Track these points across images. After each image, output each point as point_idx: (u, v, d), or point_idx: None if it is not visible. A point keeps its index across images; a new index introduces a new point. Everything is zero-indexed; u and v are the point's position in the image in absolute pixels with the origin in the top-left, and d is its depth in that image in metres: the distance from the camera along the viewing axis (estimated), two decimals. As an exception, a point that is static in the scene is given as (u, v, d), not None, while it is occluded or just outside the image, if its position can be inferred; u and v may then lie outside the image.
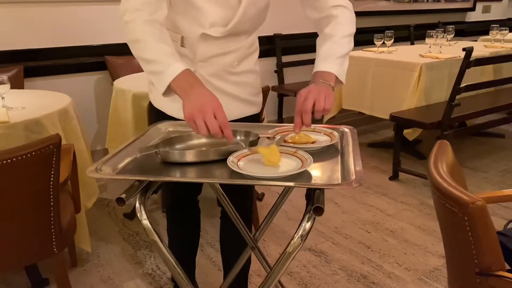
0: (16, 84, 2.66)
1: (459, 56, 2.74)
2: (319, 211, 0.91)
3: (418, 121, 2.80)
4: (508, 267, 1.16)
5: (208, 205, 2.60)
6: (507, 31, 3.88)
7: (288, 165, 1.06)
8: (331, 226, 2.47)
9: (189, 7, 1.26)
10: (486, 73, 3.44)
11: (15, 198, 1.40)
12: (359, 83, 3.41)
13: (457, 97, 2.70)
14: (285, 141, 1.24)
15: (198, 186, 1.61)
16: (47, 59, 3.03)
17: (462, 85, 2.65)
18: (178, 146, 1.15)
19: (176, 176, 1.02)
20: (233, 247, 1.63)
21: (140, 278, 2.03)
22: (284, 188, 1.43)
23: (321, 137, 1.28)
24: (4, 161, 1.32)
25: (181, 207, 1.62)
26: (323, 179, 1.02)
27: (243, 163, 1.07)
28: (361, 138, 3.94)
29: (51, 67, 3.03)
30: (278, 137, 1.21)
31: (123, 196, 0.96)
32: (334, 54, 1.28)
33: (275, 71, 4.06)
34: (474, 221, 0.99)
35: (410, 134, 3.14)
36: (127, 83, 2.51)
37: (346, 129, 1.34)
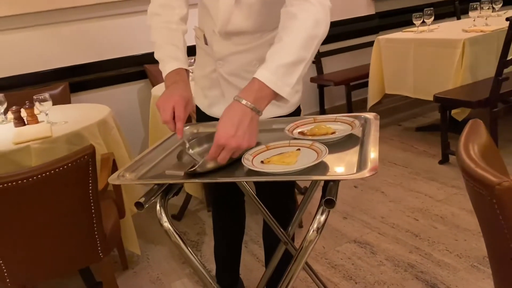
0: (63, 99, 2.83)
1: (507, 27, 2.55)
2: (331, 203, 0.89)
3: (463, 100, 2.66)
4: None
5: (252, 201, 2.62)
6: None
7: (304, 158, 1.05)
8: (377, 216, 2.41)
9: (201, 4, 1.34)
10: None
11: (58, 208, 1.49)
12: (400, 65, 3.28)
13: (505, 70, 2.52)
14: (303, 134, 1.22)
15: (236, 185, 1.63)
16: (90, 73, 3.18)
17: (509, 57, 2.47)
18: (198, 150, 1.17)
19: (193, 178, 1.04)
20: (273, 242, 1.63)
21: (187, 278, 2.09)
22: (311, 183, 1.41)
23: (341, 126, 1.25)
24: (44, 174, 1.41)
25: (222, 204, 1.66)
26: (339, 170, 1.00)
27: (259, 160, 1.07)
28: (408, 123, 3.80)
29: (94, 80, 3.19)
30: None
31: (142, 200, 0.99)
32: (276, 60, 1.02)
33: (313, 62, 4.00)
34: (503, 204, 0.92)
35: (458, 114, 2.98)
36: (163, 89, 2.57)
37: (369, 116, 1.30)
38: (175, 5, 1.32)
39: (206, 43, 1.39)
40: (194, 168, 0.99)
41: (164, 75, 1.25)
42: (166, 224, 1.03)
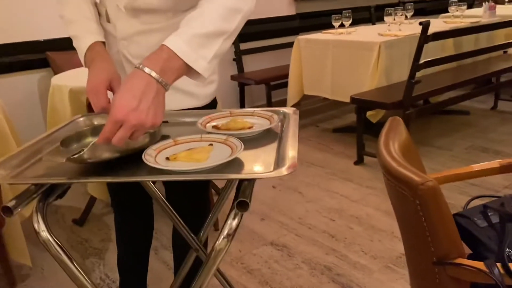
0: None
1: (419, 33, 2.65)
2: (244, 206, 0.76)
3: (379, 101, 2.70)
4: (469, 251, 1.05)
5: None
6: (465, 7, 3.83)
7: (217, 155, 0.92)
8: (294, 217, 2.35)
9: None
10: (447, 50, 3.36)
11: None
12: (319, 67, 3.29)
13: (418, 74, 2.60)
14: (218, 128, 1.10)
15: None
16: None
17: (421, 61, 2.56)
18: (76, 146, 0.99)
19: (81, 177, 0.86)
20: (184, 249, 1.48)
21: (87, 289, 1.86)
22: (226, 182, 1.29)
23: (259, 121, 1.14)
24: None
25: (127, 208, 1.47)
26: (255, 168, 0.89)
27: (163, 156, 0.92)
28: (326, 124, 3.84)
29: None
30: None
31: (11, 204, 0.79)
32: (193, 28, 0.88)
33: (234, 59, 3.90)
34: (426, 205, 0.87)
35: (373, 116, 3.04)
36: (64, 79, 2.31)
37: (288, 111, 1.20)
38: None
39: (108, 21, 1.20)
40: (80, 154, 0.81)
41: (81, 54, 1.11)
42: (44, 233, 0.84)
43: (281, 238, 2.16)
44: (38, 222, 0.84)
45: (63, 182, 0.86)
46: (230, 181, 1.28)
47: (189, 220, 1.31)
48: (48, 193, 0.88)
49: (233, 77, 3.87)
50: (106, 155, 0.86)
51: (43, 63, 3.01)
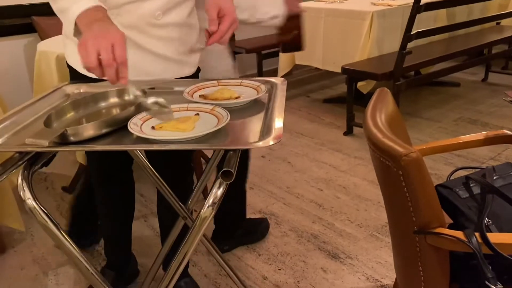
0: None
1: (411, 3, 2.61)
2: (228, 175, 0.77)
3: (369, 72, 2.69)
4: (450, 221, 1.08)
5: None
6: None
7: (203, 125, 0.92)
8: (282, 186, 2.38)
9: None
10: (439, 21, 3.34)
11: None
12: (310, 36, 3.24)
13: (410, 45, 2.59)
14: (205, 98, 1.09)
15: (124, 156, 1.45)
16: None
17: (413, 32, 2.53)
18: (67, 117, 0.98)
19: (67, 146, 0.85)
20: (170, 217, 1.50)
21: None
22: (213, 152, 1.29)
23: (247, 91, 1.13)
24: None
25: (110, 181, 1.47)
26: (240, 138, 0.89)
27: (149, 125, 0.92)
28: (317, 94, 3.83)
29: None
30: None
31: (-5, 171, 0.79)
32: None
33: (225, 27, 3.83)
34: (408, 175, 0.88)
35: (364, 87, 3.04)
36: (51, 45, 2.25)
37: (276, 81, 1.20)
38: None
39: None
40: (63, 134, 0.81)
41: (74, 15, 0.95)
42: (30, 201, 0.84)
43: (269, 207, 2.19)
44: (24, 190, 0.84)
45: (48, 150, 0.86)
46: (217, 152, 1.29)
47: (175, 190, 1.32)
48: (33, 161, 0.88)
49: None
50: (90, 133, 0.86)
51: (29, 28, 2.94)
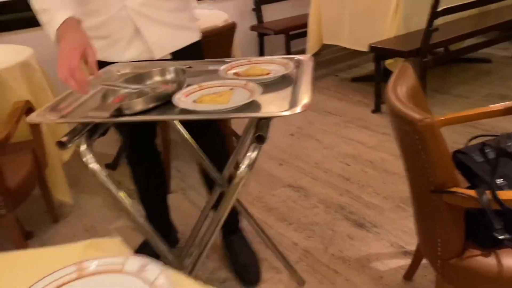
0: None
1: (439, -21, 2.62)
2: (261, 139, 0.89)
3: (396, 49, 2.73)
4: (467, 185, 1.16)
5: (188, 149, 2.60)
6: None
7: (237, 98, 1.03)
8: (311, 162, 2.48)
9: None
10: (469, -4, 3.31)
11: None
12: (337, 14, 3.29)
13: (438, 21, 2.61)
14: (238, 75, 1.20)
15: (152, 130, 1.59)
16: (6, 12, 2.90)
17: (440, 8, 2.55)
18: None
19: (121, 117, 0.99)
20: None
21: (122, 224, 2.06)
22: (247, 123, 1.41)
23: (276, 68, 1.24)
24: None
25: (138, 152, 1.61)
26: (271, 108, 1.00)
27: (190, 99, 1.04)
28: (345, 73, 3.88)
29: (10, 21, 2.90)
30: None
31: (64, 139, 0.94)
32: None
33: (253, 9, 3.92)
34: (424, 139, 0.97)
35: (392, 64, 3.07)
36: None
37: (303, 58, 1.29)
38: None
39: None
40: (119, 109, 0.95)
41: (53, 28, 1.04)
42: (93, 165, 0.99)
43: (298, 181, 2.30)
44: (87, 156, 0.98)
45: (105, 121, 1.00)
46: (250, 122, 1.40)
47: (210, 157, 1.46)
48: (92, 131, 1.02)
49: (252, 27, 3.90)
50: (139, 107, 0.99)
51: (69, 16, 3.11)
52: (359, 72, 3.87)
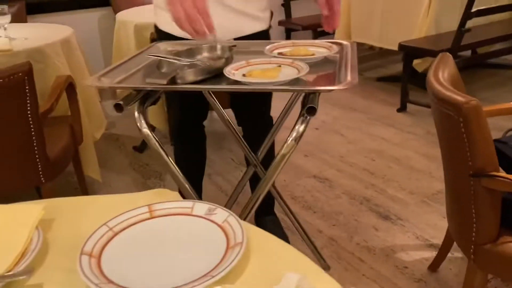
0: (19, 20, 2.64)
1: (473, -19, 2.63)
2: (312, 110, 0.92)
3: (427, 49, 2.74)
4: (503, 172, 1.18)
5: (217, 137, 2.64)
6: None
7: (285, 74, 1.07)
8: (336, 155, 2.50)
9: None
10: (500, 1, 3.30)
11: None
12: (368, 12, 3.31)
13: (469, 23, 2.61)
14: (283, 55, 1.24)
15: (203, 110, 1.63)
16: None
17: (474, 9, 2.56)
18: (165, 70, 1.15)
19: (174, 85, 1.02)
20: None
21: (150, 204, 2.11)
22: (290, 98, 1.43)
23: (320, 50, 1.26)
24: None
25: (186, 130, 1.65)
26: (318, 85, 1.03)
27: (240, 73, 1.08)
28: (370, 73, 3.89)
29: (53, 3, 2.99)
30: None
31: (121, 102, 0.98)
32: None
33: (282, 5, 3.95)
34: (468, 122, 0.99)
35: (419, 65, 3.08)
36: (129, 15, 2.48)
37: (346, 43, 1.32)
38: None
39: None
40: (173, 78, 0.98)
41: None
42: (145, 130, 1.02)
43: (323, 172, 2.33)
44: (141, 121, 1.02)
45: (158, 88, 1.04)
46: (295, 96, 1.42)
47: (254, 126, 1.47)
48: (146, 98, 1.06)
49: (280, 23, 3.94)
50: (191, 77, 1.03)
51: (103, 1, 3.18)
52: (384, 73, 3.88)
